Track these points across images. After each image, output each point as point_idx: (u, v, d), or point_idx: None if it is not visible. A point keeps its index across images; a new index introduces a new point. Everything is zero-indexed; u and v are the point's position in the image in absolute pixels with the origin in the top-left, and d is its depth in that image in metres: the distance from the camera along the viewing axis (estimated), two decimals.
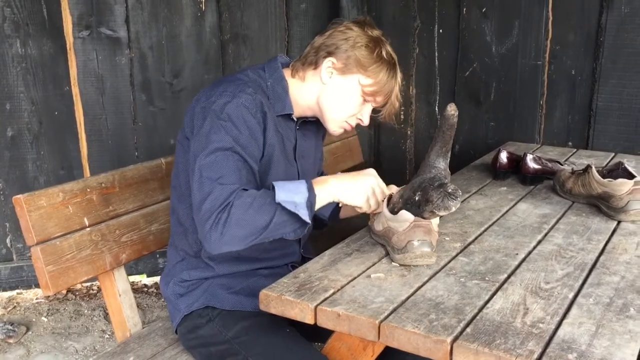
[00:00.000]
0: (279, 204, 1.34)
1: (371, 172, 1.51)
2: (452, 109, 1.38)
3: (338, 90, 1.53)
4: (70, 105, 2.82)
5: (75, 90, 2.81)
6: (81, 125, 2.85)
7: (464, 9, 2.83)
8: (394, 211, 1.44)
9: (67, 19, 2.73)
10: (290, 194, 1.36)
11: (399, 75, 1.56)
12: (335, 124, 1.58)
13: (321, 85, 1.54)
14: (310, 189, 1.38)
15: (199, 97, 1.50)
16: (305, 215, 1.36)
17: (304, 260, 1.65)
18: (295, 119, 1.59)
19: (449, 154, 1.45)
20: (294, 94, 1.56)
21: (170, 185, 1.64)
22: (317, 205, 1.41)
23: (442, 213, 1.35)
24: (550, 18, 2.61)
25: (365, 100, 1.55)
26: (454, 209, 1.33)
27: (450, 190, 1.34)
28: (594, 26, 2.52)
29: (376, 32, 1.54)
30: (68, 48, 2.76)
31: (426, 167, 1.43)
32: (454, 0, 2.85)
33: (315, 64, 1.53)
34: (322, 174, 1.85)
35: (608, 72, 2.51)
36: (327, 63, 1.51)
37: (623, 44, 2.46)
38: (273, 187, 1.37)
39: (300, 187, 1.38)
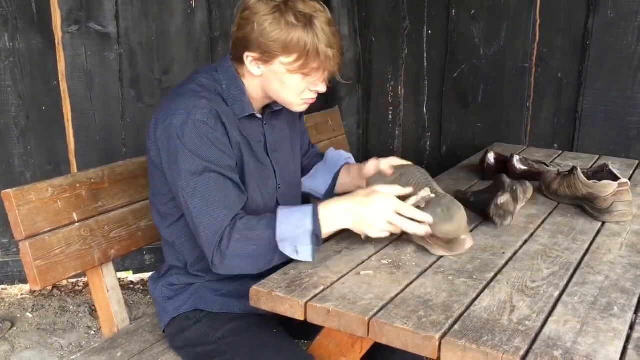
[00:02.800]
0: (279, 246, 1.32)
1: (386, 193, 1.37)
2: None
3: (273, 78, 1.43)
4: (58, 100, 2.81)
5: (64, 86, 2.79)
6: (69, 120, 2.84)
7: (453, 11, 2.85)
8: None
9: (56, 13, 2.71)
10: (292, 228, 1.31)
11: (321, 27, 1.37)
12: (294, 106, 1.49)
13: (258, 78, 1.45)
14: (316, 221, 1.32)
15: (156, 117, 1.43)
16: (306, 256, 1.32)
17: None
18: (259, 116, 1.54)
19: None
20: (248, 91, 1.49)
21: (150, 201, 1.62)
22: (324, 235, 1.35)
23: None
24: (538, 21, 2.65)
25: (302, 74, 1.41)
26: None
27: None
28: (581, 30, 2.55)
29: None
30: (57, 43, 2.74)
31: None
32: (443, 2, 2.87)
33: (241, 60, 1.44)
34: (311, 146, 1.84)
35: (594, 76, 2.55)
36: (248, 59, 1.42)
37: (609, 48, 2.50)
38: (275, 217, 1.33)
39: (304, 219, 1.32)
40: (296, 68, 1.39)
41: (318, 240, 1.33)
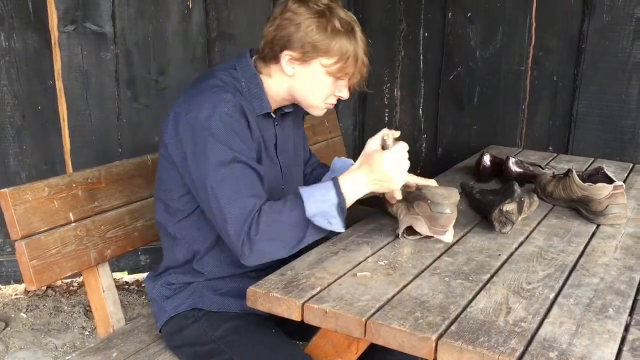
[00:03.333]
0: (312, 219, 1.35)
1: (388, 156, 1.41)
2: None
3: (306, 80, 1.49)
4: (54, 100, 2.80)
5: (59, 85, 2.79)
6: (64, 120, 2.83)
7: (450, 14, 2.86)
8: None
9: (52, 13, 2.71)
10: (319, 204, 1.35)
11: (360, 36, 1.48)
12: (317, 109, 1.56)
13: (288, 78, 1.50)
14: (339, 193, 1.36)
15: (178, 111, 1.44)
16: (339, 226, 1.37)
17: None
18: (273, 115, 1.57)
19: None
20: (267, 90, 1.52)
21: (155, 198, 1.61)
22: (348, 205, 1.39)
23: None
24: (534, 24, 2.66)
25: (336, 78, 1.49)
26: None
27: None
28: (576, 33, 2.57)
29: (322, 3, 1.45)
30: (53, 42, 2.74)
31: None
32: (439, 5, 2.88)
33: (275, 59, 1.48)
34: (312, 155, 1.87)
35: (589, 79, 2.57)
36: (285, 57, 1.46)
37: (604, 51, 2.51)
38: (299, 196, 1.36)
39: (328, 193, 1.36)
40: (334, 70, 1.47)
41: (343, 212, 1.37)
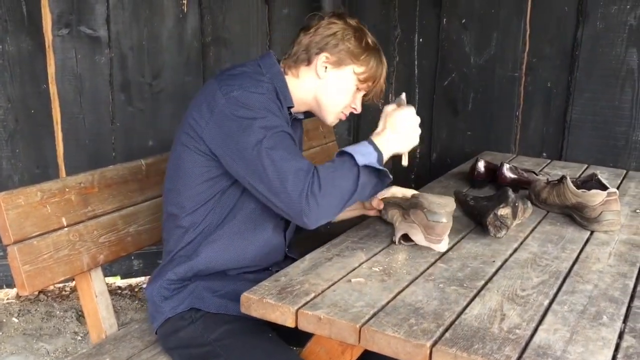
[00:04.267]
0: (363, 166, 1.42)
1: (406, 112, 1.53)
2: None
3: (335, 83, 1.59)
4: (48, 103, 2.79)
5: (53, 89, 2.78)
6: (58, 124, 2.82)
7: (444, 20, 2.87)
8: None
9: (46, 16, 2.70)
10: (365, 156, 1.43)
11: (384, 58, 1.64)
12: (333, 116, 1.65)
13: (317, 80, 1.59)
14: (376, 148, 1.46)
15: (212, 92, 1.47)
16: (386, 173, 1.46)
17: (287, 259, 1.67)
18: (292, 115, 1.62)
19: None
20: (290, 90, 1.59)
21: (165, 190, 1.60)
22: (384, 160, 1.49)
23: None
24: (528, 31, 2.67)
25: (358, 89, 1.62)
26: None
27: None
28: (570, 40, 2.58)
29: (356, 22, 1.62)
30: (47, 46, 2.73)
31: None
32: (434, 11, 2.89)
33: (308, 61, 1.58)
34: None
35: (582, 85, 2.58)
36: (322, 58, 1.56)
37: (597, 58, 2.53)
38: (344, 152, 1.44)
39: (368, 149, 1.45)
40: (362, 79, 1.60)
41: (382, 164, 1.46)
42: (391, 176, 1.48)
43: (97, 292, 1.69)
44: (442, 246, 1.50)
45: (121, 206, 1.77)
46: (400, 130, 1.51)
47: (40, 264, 1.53)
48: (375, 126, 1.55)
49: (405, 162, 1.59)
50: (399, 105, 1.55)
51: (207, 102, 1.48)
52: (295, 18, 3.09)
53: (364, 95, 1.67)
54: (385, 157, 1.49)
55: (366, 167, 1.43)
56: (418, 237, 1.50)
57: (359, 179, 1.42)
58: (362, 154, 1.44)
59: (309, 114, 1.70)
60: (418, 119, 1.55)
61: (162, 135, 2.91)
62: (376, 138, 1.49)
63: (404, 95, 1.58)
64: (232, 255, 1.56)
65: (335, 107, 1.63)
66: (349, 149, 1.45)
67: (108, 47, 2.80)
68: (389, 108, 1.55)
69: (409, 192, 1.67)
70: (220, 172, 1.50)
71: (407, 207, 1.53)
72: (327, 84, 1.59)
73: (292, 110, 1.61)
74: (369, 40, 1.60)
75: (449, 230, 1.50)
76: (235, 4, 2.97)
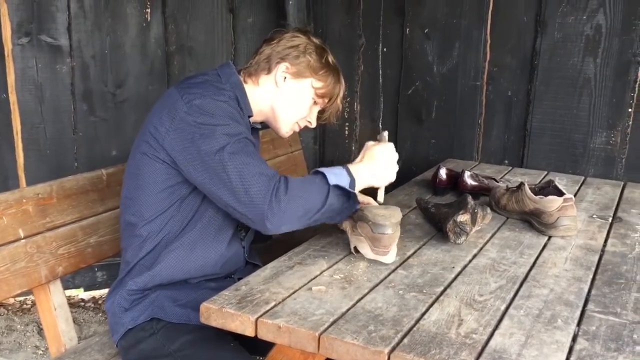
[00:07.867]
0: (334, 186, 1.44)
1: (386, 148, 1.57)
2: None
3: (292, 93, 1.61)
4: (7, 113, 2.73)
5: (13, 98, 2.72)
6: (18, 134, 2.76)
7: (407, 29, 2.91)
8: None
9: (6, 25, 2.65)
10: (337, 177, 1.46)
11: (343, 81, 1.68)
12: (287, 126, 1.66)
13: (275, 89, 1.61)
14: (350, 175, 1.49)
15: (173, 100, 1.47)
16: (354, 200, 1.48)
17: (249, 265, 1.68)
18: (250, 124, 1.62)
19: None
20: (249, 99, 1.60)
21: (122, 199, 1.59)
22: (356, 190, 1.51)
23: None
24: (489, 41, 2.72)
25: (315, 103, 1.65)
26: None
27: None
28: (529, 50, 2.64)
29: (318, 41, 1.66)
30: (6, 55, 2.67)
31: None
32: (397, 20, 2.93)
33: (269, 69, 1.60)
34: None
35: (541, 94, 2.63)
36: (282, 67, 1.59)
37: (555, 67, 2.59)
38: (317, 172, 1.46)
39: (342, 172, 1.48)
40: (318, 94, 1.63)
41: (353, 192, 1.49)
42: (359, 206, 1.51)
43: (56, 305, 1.66)
44: (389, 258, 1.48)
45: (81, 217, 1.75)
46: (377, 163, 1.54)
47: None
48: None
49: (380, 198, 1.61)
50: (380, 141, 1.59)
51: (167, 110, 1.47)
52: (260, 27, 3.10)
53: (321, 112, 1.70)
54: (359, 186, 1.51)
55: (336, 188, 1.45)
56: (365, 251, 1.49)
57: (327, 197, 1.43)
58: (335, 174, 1.47)
59: (265, 125, 1.71)
60: (396, 156, 1.58)
61: (125, 144, 2.87)
62: (352, 166, 1.53)
63: (385, 133, 1.61)
64: (193, 264, 1.56)
65: (290, 117, 1.64)
66: (323, 169, 1.47)
67: (70, 56, 2.77)
68: (370, 143, 1.59)
69: (367, 199, 1.67)
70: (179, 180, 1.49)
71: (355, 218, 1.53)
72: (284, 94, 1.61)
73: (250, 119, 1.62)
74: (330, 59, 1.64)
75: (396, 241, 1.48)
76: (199, 13, 2.96)
